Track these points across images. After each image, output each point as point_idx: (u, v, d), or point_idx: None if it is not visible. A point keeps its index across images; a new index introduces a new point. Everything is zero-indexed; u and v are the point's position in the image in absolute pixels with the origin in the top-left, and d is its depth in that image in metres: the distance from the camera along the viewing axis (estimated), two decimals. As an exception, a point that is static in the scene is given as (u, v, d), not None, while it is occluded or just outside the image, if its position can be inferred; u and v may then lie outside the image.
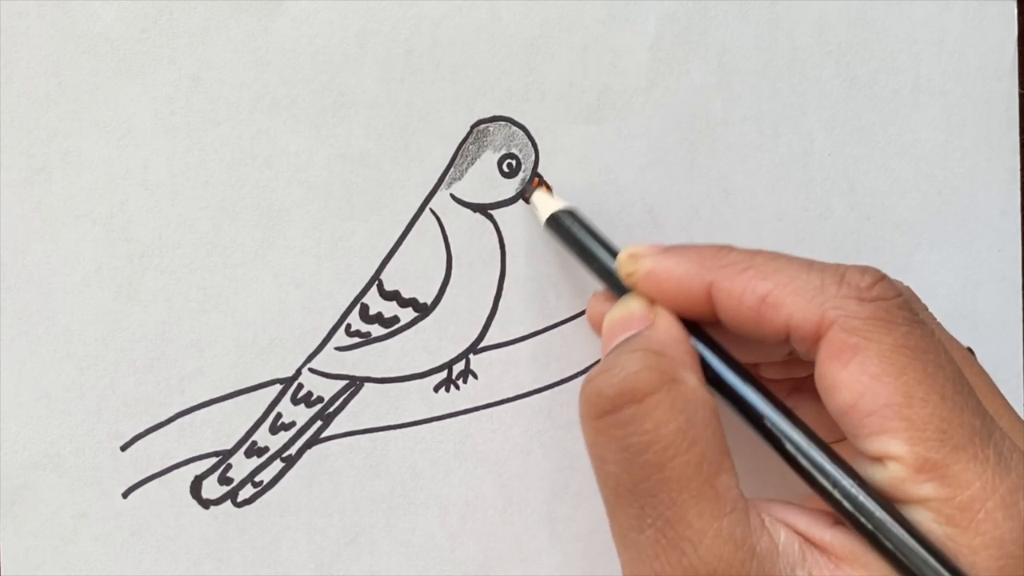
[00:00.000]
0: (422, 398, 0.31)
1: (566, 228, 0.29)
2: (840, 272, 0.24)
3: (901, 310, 0.23)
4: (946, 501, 0.22)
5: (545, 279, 0.31)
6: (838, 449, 0.24)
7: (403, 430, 0.31)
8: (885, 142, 0.33)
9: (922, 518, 0.22)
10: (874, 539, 0.22)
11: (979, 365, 0.26)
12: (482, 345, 0.31)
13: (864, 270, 0.24)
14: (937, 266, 0.34)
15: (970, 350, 0.31)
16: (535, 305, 0.31)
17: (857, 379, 0.22)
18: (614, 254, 0.27)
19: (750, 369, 0.25)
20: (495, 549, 0.31)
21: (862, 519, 0.22)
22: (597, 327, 0.28)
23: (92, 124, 0.29)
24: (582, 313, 0.31)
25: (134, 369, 0.29)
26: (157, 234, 0.29)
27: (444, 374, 0.31)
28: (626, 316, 0.25)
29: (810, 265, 0.24)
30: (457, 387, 0.31)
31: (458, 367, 0.31)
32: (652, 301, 0.26)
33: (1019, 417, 0.25)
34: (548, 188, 0.31)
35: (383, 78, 0.30)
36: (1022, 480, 0.22)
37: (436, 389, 0.31)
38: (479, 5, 0.31)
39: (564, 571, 0.32)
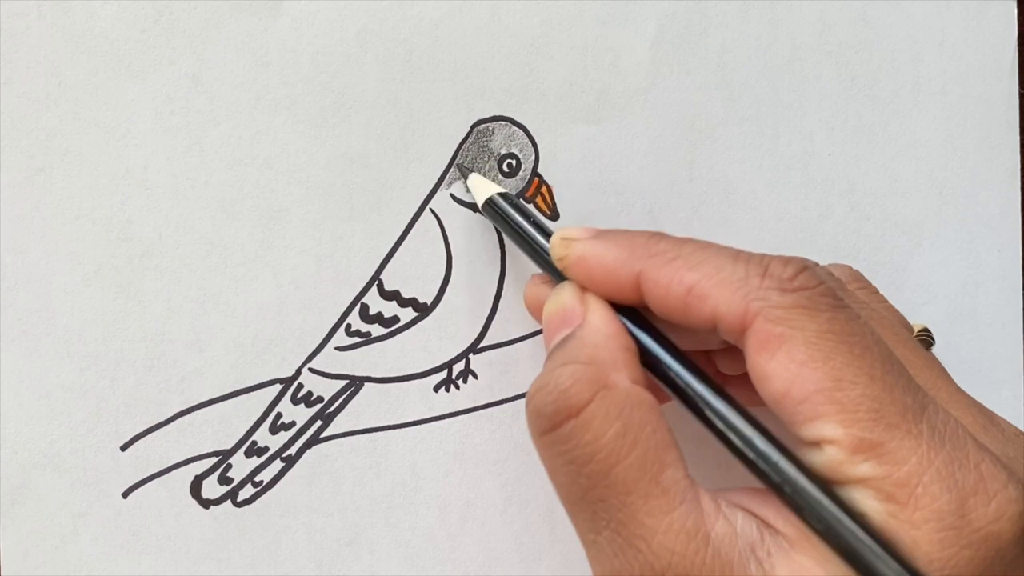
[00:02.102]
0: (422, 398, 0.31)
1: (502, 211, 0.29)
2: (764, 263, 0.24)
3: (824, 297, 0.23)
4: (884, 479, 0.22)
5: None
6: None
7: (403, 430, 0.31)
8: (885, 142, 0.33)
9: (862, 496, 0.22)
10: (806, 517, 0.22)
11: (913, 340, 0.26)
12: (482, 345, 0.31)
13: (788, 260, 0.24)
14: (937, 266, 0.34)
15: (925, 329, 0.31)
16: (535, 305, 0.31)
17: (786, 367, 0.23)
18: (544, 231, 0.28)
19: (699, 358, 0.25)
20: (495, 549, 0.31)
21: (797, 499, 0.22)
22: (533, 311, 0.28)
23: (92, 124, 0.29)
24: (582, 313, 0.31)
25: (134, 369, 0.29)
26: (157, 234, 0.29)
27: (444, 374, 0.31)
28: (560, 310, 0.26)
29: (736, 256, 0.24)
30: (457, 387, 0.31)
31: (458, 367, 0.31)
32: (584, 288, 0.26)
33: (958, 389, 0.26)
34: (548, 188, 0.31)
35: (383, 78, 0.30)
36: (956, 451, 0.22)
37: (436, 389, 0.31)
38: (479, 5, 0.31)
39: (564, 571, 0.32)
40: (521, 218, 0.28)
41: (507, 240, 0.31)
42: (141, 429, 0.30)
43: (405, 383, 0.31)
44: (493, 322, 0.31)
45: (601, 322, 0.25)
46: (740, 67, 0.32)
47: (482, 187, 0.30)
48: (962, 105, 0.34)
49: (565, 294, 0.26)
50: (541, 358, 0.31)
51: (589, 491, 0.23)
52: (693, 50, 0.32)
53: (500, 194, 0.29)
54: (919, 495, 0.22)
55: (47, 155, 0.29)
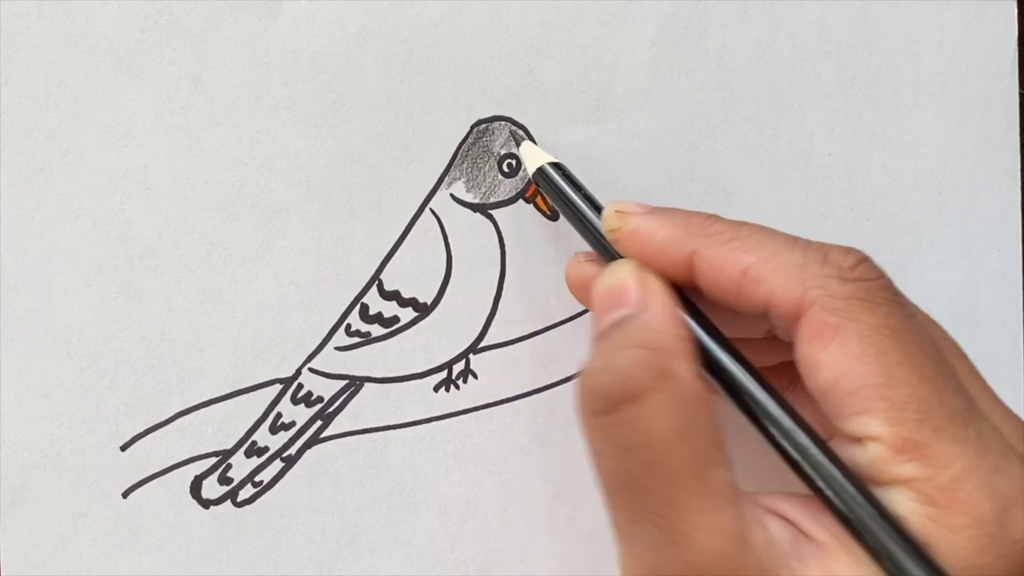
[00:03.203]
0: (422, 398, 0.31)
1: (553, 181, 0.29)
2: (824, 251, 0.24)
3: (883, 290, 0.23)
4: (926, 481, 0.22)
5: (545, 279, 0.31)
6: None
7: (403, 430, 0.31)
8: (885, 142, 0.33)
9: (903, 498, 0.22)
10: (851, 526, 0.22)
11: (960, 348, 0.26)
12: (482, 345, 0.31)
13: (848, 250, 0.24)
14: (937, 266, 0.34)
15: None
16: (535, 305, 0.31)
17: (837, 359, 0.22)
18: (596, 206, 0.27)
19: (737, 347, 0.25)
20: (495, 549, 0.31)
21: (836, 499, 0.22)
22: (576, 290, 0.28)
23: (92, 124, 0.29)
24: (582, 313, 0.31)
25: (134, 369, 0.29)
26: (157, 234, 0.29)
27: (444, 374, 0.31)
28: (617, 287, 0.25)
29: (795, 242, 0.24)
30: (457, 387, 0.31)
31: (458, 367, 0.31)
32: (641, 266, 0.25)
33: (999, 399, 0.25)
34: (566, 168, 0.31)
35: (383, 78, 0.30)
36: (1002, 460, 0.22)
37: (436, 389, 0.31)
38: (479, 5, 0.31)
39: (564, 571, 0.32)
40: (572, 190, 0.28)
41: (507, 241, 0.31)
42: (141, 429, 0.30)
43: (405, 383, 0.31)
44: (493, 322, 0.31)
45: (664, 308, 0.24)
46: (740, 67, 0.32)
47: (534, 155, 0.29)
48: (962, 105, 0.34)
49: (623, 271, 0.25)
50: (541, 358, 0.31)
51: (637, 479, 0.23)
52: (693, 50, 0.32)
53: (552, 164, 0.29)
54: (961, 500, 0.21)
55: (47, 155, 0.29)
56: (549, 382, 0.31)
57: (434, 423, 0.31)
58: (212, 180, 0.30)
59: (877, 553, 0.22)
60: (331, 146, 0.30)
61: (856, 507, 0.22)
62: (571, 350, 0.31)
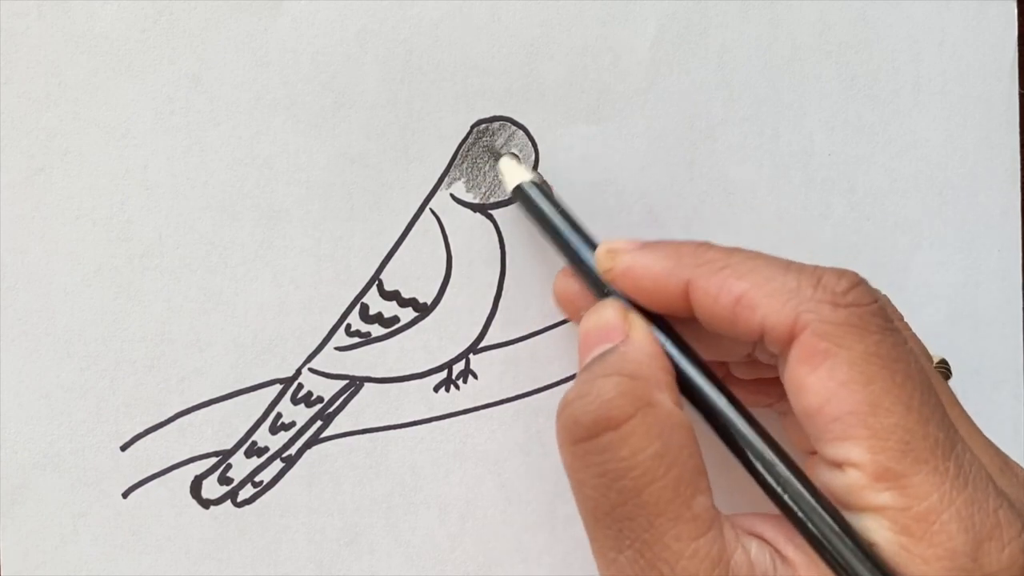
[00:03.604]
0: (422, 398, 0.31)
1: (533, 203, 0.28)
2: (817, 275, 0.24)
3: (875, 317, 0.23)
4: (902, 511, 0.22)
5: (545, 279, 0.31)
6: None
7: (403, 430, 0.31)
8: (885, 142, 0.33)
9: (876, 525, 0.22)
10: (821, 548, 0.23)
11: (936, 374, 0.26)
12: (482, 345, 0.31)
13: (842, 274, 0.24)
14: (937, 266, 0.34)
15: (944, 361, 0.31)
16: (535, 305, 0.31)
17: (825, 384, 0.22)
18: (580, 233, 0.27)
19: (717, 368, 0.25)
20: (495, 549, 0.31)
21: (809, 525, 0.23)
22: (564, 304, 0.28)
23: (92, 124, 0.29)
24: (582, 313, 0.31)
25: (134, 369, 0.29)
26: (157, 234, 0.29)
27: (444, 374, 0.31)
28: (601, 326, 0.25)
29: (787, 266, 0.24)
30: (457, 387, 0.31)
31: (458, 367, 0.31)
32: (628, 302, 0.26)
33: (977, 429, 0.26)
34: (548, 188, 0.31)
35: (383, 78, 0.30)
36: (978, 493, 0.22)
37: (436, 389, 0.31)
38: (479, 5, 0.31)
39: (564, 571, 0.32)
40: (553, 212, 0.28)
41: (507, 241, 0.31)
42: (141, 429, 0.30)
43: (405, 383, 0.31)
44: (493, 322, 0.31)
45: (645, 340, 0.25)
46: (740, 67, 0.32)
47: (514, 172, 0.29)
48: (962, 105, 0.34)
49: (608, 311, 0.26)
50: (541, 358, 0.31)
51: (618, 507, 0.23)
52: (693, 50, 0.32)
53: (532, 182, 0.29)
54: (935, 532, 0.21)
55: (47, 155, 0.29)
56: (549, 382, 0.31)
57: (434, 423, 0.31)
58: (212, 180, 0.30)
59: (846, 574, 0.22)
60: (331, 146, 0.30)
61: (826, 530, 0.22)
62: (571, 350, 0.31)
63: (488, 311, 0.31)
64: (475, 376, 0.31)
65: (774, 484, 0.23)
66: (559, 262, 0.31)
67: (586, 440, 0.23)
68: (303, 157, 0.30)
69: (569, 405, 0.24)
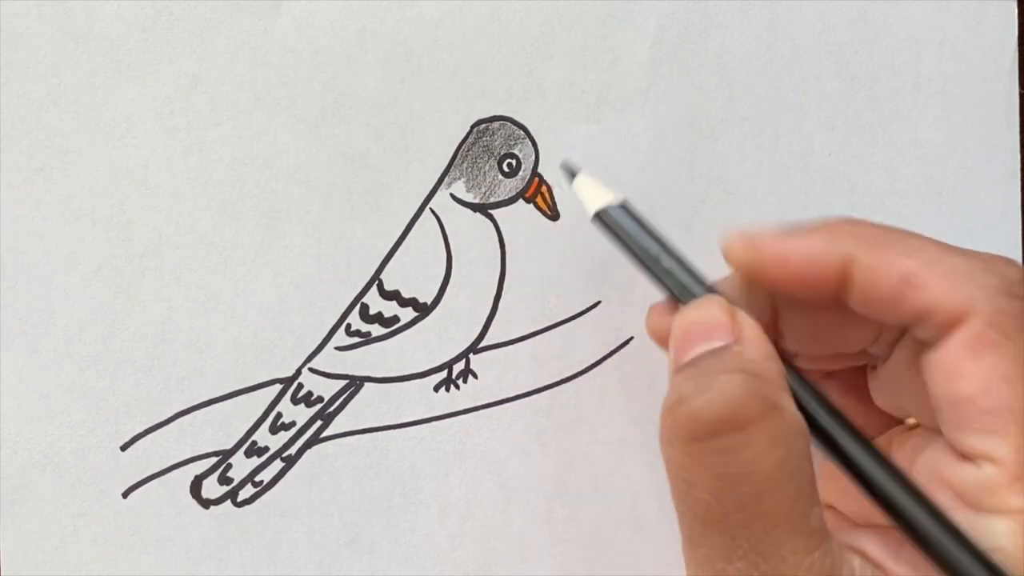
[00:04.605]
0: (422, 398, 0.31)
1: (619, 227, 0.26)
2: (986, 260, 0.23)
3: None
4: None
5: (545, 279, 0.31)
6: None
7: (403, 430, 0.31)
8: (885, 142, 0.33)
9: (1006, 529, 0.21)
10: (936, 555, 0.22)
11: None
12: (482, 345, 0.31)
13: (1010, 262, 0.23)
14: (937, 266, 0.34)
15: None
16: (535, 305, 0.31)
17: (986, 374, 0.22)
18: (667, 251, 0.25)
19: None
20: (495, 549, 0.31)
21: (928, 537, 0.22)
22: (659, 340, 0.26)
23: (92, 124, 0.29)
24: (582, 313, 0.31)
25: (134, 369, 0.29)
26: (157, 234, 0.29)
27: (444, 374, 0.31)
28: (707, 321, 0.23)
29: (951, 248, 0.23)
30: (457, 387, 0.31)
31: (458, 367, 0.31)
32: (728, 302, 0.24)
33: None
34: (548, 188, 0.31)
35: (383, 78, 0.30)
36: None
37: (436, 389, 0.31)
38: (479, 5, 0.31)
39: (564, 571, 0.32)
40: (642, 233, 0.26)
41: (507, 241, 0.31)
42: (141, 429, 0.30)
43: (405, 383, 0.31)
44: (493, 322, 0.31)
45: (761, 340, 0.23)
46: (740, 67, 0.32)
47: (593, 194, 0.27)
48: (962, 105, 0.34)
49: (713, 307, 0.24)
50: (541, 358, 0.31)
51: (734, 513, 0.21)
52: (693, 50, 0.32)
53: (615, 205, 0.26)
54: None
55: (47, 155, 0.29)
56: (549, 382, 0.31)
57: (434, 423, 0.31)
58: (212, 180, 0.30)
59: None
60: (331, 146, 0.30)
61: (942, 537, 0.21)
62: (571, 350, 0.31)
63: (488, 311, 0.31)
64: (475, 376, 0.31)
65: (888, 493, 0.22)
66: (560, 262, 0.31)
67: (706, 439, 0.21)
68: (303, 157, 0.30)
69: (686, 401, 0.22)
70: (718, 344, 0.23)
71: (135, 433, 0.30)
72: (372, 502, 0.31)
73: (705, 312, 0.24)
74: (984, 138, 0.34)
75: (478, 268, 0.31)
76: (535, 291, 0.31)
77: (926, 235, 0.24)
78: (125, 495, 0.30)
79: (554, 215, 0.31)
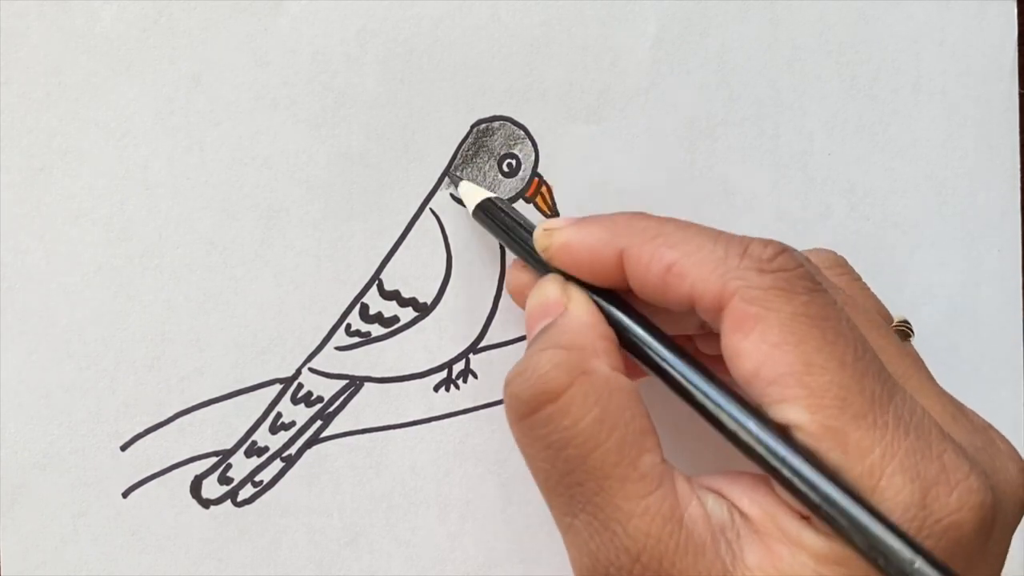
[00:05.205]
0: (422, 398, 0.31)
1: (492, 215, 0.29)
2: (744, 244, 0.24)
3: (802, 280, 0.23)
4: (848, 470, 0.22)
5: (545, 279, 0.31)
6: None
7: (403, 430, 0.31)
8: (885, 142, 0.33)
9: None
10: (782, 479, 0.22)
11: (888, 329, 0.26)
12: (482, 345, 0.31)
13: (767, 243, 0.24)
14: (937, 266, 0.34)
15: (905, 321, 0.31)
16: (535, 305, 0.31)
17: (758, 348, 0.23)
18: (524, 226, 0.28)
19: (680, 341, 0.25)
20: (495, 549, 0.31)
21: (772, 461, 0.22)
22: (516, 297, 0.29)
23: (92, 124, 0.29)
24: (582, 313, 0.31)
25: (134, 369, 0.29)
26: (157, 234, 0.29)
27: (444, 374, 0.31)
28: (542, 302, 0.26)
29: (716, 236, 0.24)
30: (457, 387, 0.31)
31: (458, 367, 0.31)
32: (567, 279, 0.26)
33: (930, 379, 0.26)
34: (548, 188, 0.31)
35: (383, 78, 0.30)
36: (919, 441, 0.22)
37: (436, 389, 0.31)
38: (479, 5, 0.31)
39: (564, 571, 0.32)
40: (509, 220, 0.29)
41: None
42: (141, 429, 0.30)
43: (405, 383, 0.31)
44: (493, 322, 0.31)
45: (581, 310, 0.25)
46: (740, 67, 0.32)
47: (472, 193, 0.30)
48: (962, 105, 0.34)
49: (548, 287, 0.26)
50: (541, 358, 0.31)
51: (567, 475, 0.23)
52: (693, 50, 0.32)
53: (489, 199, 0.29)
54: (883, 487, 0.22)
55: (47, 155, 0.29)
56: (549, 382, 0.31)
57: (434, 423, 0.31)
58: (212, 180, 0.30)
59: (828, 517, 0.22)
60: (331, 146, 0.30)
61: (793, 467, 0.22)
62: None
63: (488, 311, 0.31)
64: (475, 376, 0.31)
65: (727, 421, 0.23)
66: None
67: (529, 415, 0.24)
68: (303, 157, 0.30)
69: (511, 383, 0.24)
70: (548, 320, 0.25)
71: (135, 433, 0.30)
72: (372, 502, 0.31)
73: (541, 292, 0.26)
74: (984, 138, 0.34)
75: (478, 268, 0.31)
76: (535, 291, 0.31)
77: (702, 226, 0.25)
78: (125, 495, 0.30)
79: (554, 215, 0.31)
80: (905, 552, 0.21)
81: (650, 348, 0.25)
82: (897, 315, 0.30)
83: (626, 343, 0.25)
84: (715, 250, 0.24)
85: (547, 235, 0.26)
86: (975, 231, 0.34)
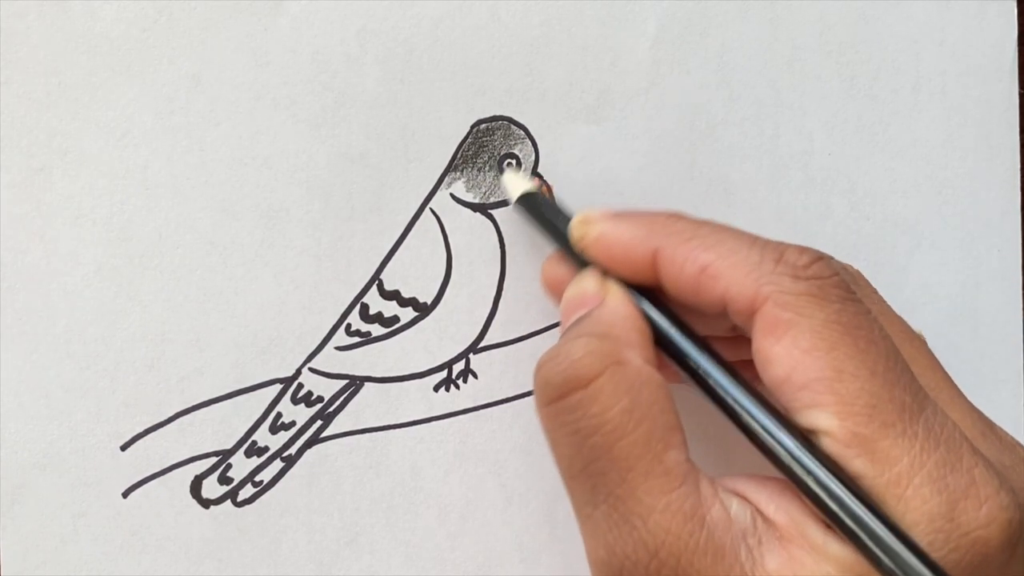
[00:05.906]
0: (422, 398, 0.31)
1: (534, 207, 0.29)
2: (780, 249, 0.24)
3: (836, 288, 0.23)
4: (875, 478, 0.22)
5: (545, 279, 0.31)
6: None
7: (403, 430, 0.31)
8: (885, 142, 0.33)
9: None
10: (809, 492, 0.22)
11: (923, 341, 0.27)
12: (482, 345, 0.31)
13: (803, 250, 0.24)
14: (937, 266, 0.34)
15: (920, 336, 0.31)
16: (535, 305, 0.31)
17: (789, 353, 0.23)
18: (564, 216, 0.28)
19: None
20: (495, 549, 0.31)
21: (800, 475, 0.22)
22: (550, 288, 0.29)
23: (92, 124, 0.29)
24: (582, 313, 0.31)
25: (134, 369, 0.29)
26: (157, 234, 0.29)
27: (444, 374, 0.31)
28: (580, 294, 0.26)
29: (752, 240, 0.24)
30: (457, 387, 0.31)
31: (458, 367, 0.31)
32: (604, 273, 0.26)
33: (960, 394, 0.26)
34: (548, 188, 0.31)
35: (383, 78, 0.30)
36: (950, 454, 0.22)
37: (436, 389, 0.31)
38: (479, 5, 0.31)
39: (564, 571, 0.32)
40: (550, 210, 0.29)
41: (507, 241, 0.31)
42: (141, 429, 0.30)
43: (405, 383, 0.31)
44: (493, 322, 0.31)
45: (618, 302, 0.25)
46: (740, 67, 0.32)
47: (515, 184, 0.30)
48: (962, 105, 0.34)
49: (586, 279, 0.26)
50: (541, 358, 0.31)
51: (591, 464, 0.23)
52: (693, 50, 0.32)
53: (531, 191, 0.30)
54: (909, 497, 0.22)
55: (47, 155, 0.29)
56: (549, 382, 0.31)
57: (434, 423, 0.31)
58: (212, 180, 0.30)
59: (847, 530, 0.22)
60: (331, 146, 0.30)
61: (819, 475, 0.22)
62: (571, 350, 0.31)
63: (488, 311, 0.31)
64: (475, 376, 0.31)
65: (755, 427, 0.23)
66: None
67: (557, 400, 0.24)
68: (303, 157, 0.30)
69: (542, 367, 0.24)
70: (584, 311, 0.25)
71: (135, 433, 0.30)
72: (372, 502, 0.31)
73: (579, 285, 0.26)
74: (984, 138, 0.34)
75: (478, 268, 0.31)
76: (535, 291, 0.31)
77: (738, 230, 0.25)
78: (125, 495, 0.30)
79: (554, 215, 0.31)
80: (926, 574, 0.21)
81: (683, 347, 0.25)
82: (916, 329, 0.30)
83: (660, 340, 0.25)
84: (750, 254, 0.24)
85: (583, 225, 0.27)
86: (975, 231, 0.34)
